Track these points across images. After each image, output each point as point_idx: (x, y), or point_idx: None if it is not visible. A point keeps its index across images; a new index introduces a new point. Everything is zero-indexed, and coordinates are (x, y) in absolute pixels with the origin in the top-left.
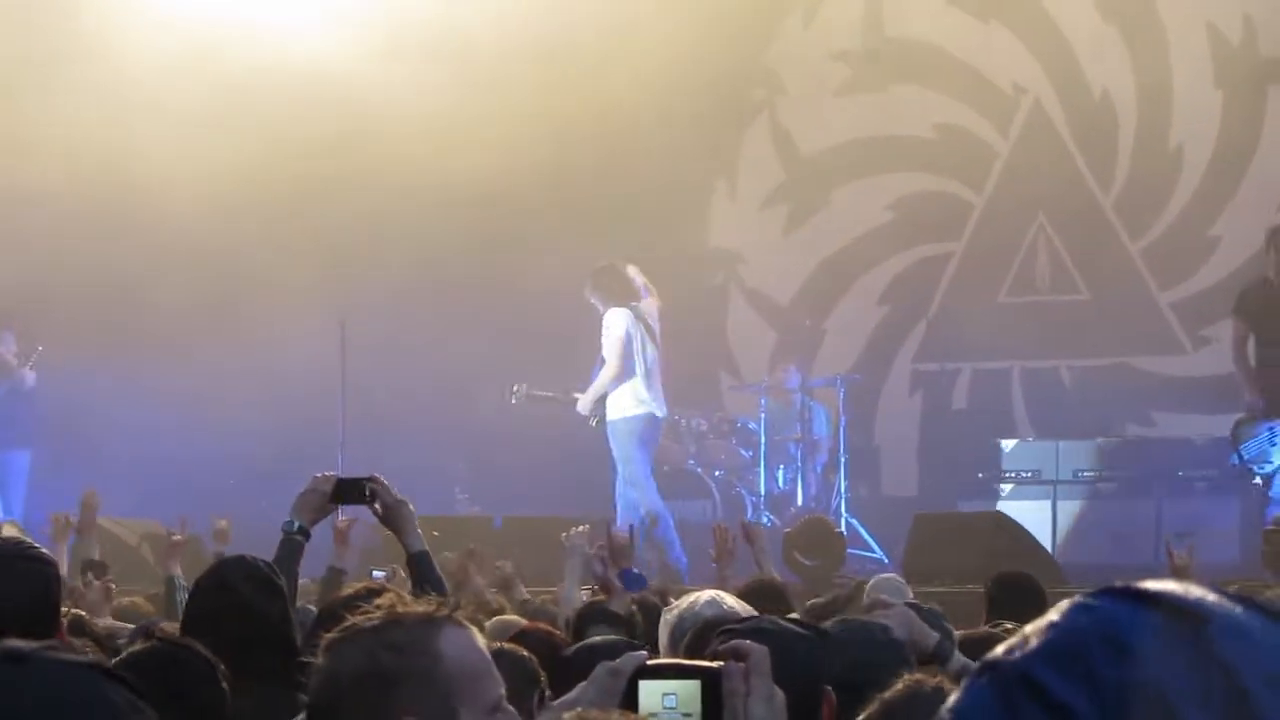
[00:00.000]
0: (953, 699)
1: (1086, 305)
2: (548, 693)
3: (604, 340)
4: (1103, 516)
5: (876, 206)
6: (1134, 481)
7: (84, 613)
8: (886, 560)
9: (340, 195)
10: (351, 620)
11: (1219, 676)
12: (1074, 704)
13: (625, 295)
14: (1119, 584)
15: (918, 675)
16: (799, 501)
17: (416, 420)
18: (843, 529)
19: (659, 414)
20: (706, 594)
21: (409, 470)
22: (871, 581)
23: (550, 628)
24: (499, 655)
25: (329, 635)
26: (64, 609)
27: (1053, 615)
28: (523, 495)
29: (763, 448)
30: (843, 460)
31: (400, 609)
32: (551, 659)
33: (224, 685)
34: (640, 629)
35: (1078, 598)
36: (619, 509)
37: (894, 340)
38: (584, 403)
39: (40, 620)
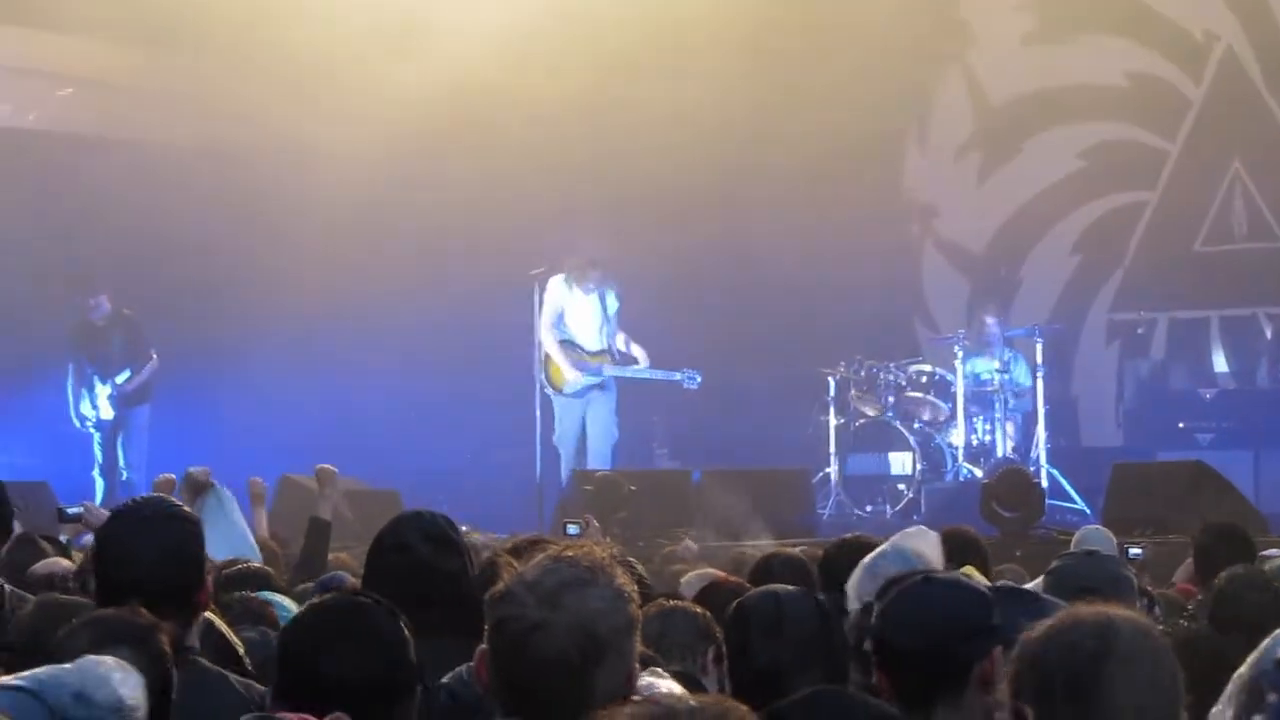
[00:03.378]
0: None
1: None
2: (724, 649)
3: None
4: None
5: (1068, 155)
6: None
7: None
8: (1089, 511)
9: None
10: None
11: None
12: None
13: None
14: None
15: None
16: (998, 453)
17: None
18: (1043, 480)
19: None
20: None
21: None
22: (1078, 533)
23: (740, 581)
24: (671, 613)
25: None
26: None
27: None
28: (718, 450)
29: (961, 399)
30: (1043, 411)
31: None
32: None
33: (407, 632)
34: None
35: None
36: None
37: (1089, 290)
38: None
39: (184, 578)
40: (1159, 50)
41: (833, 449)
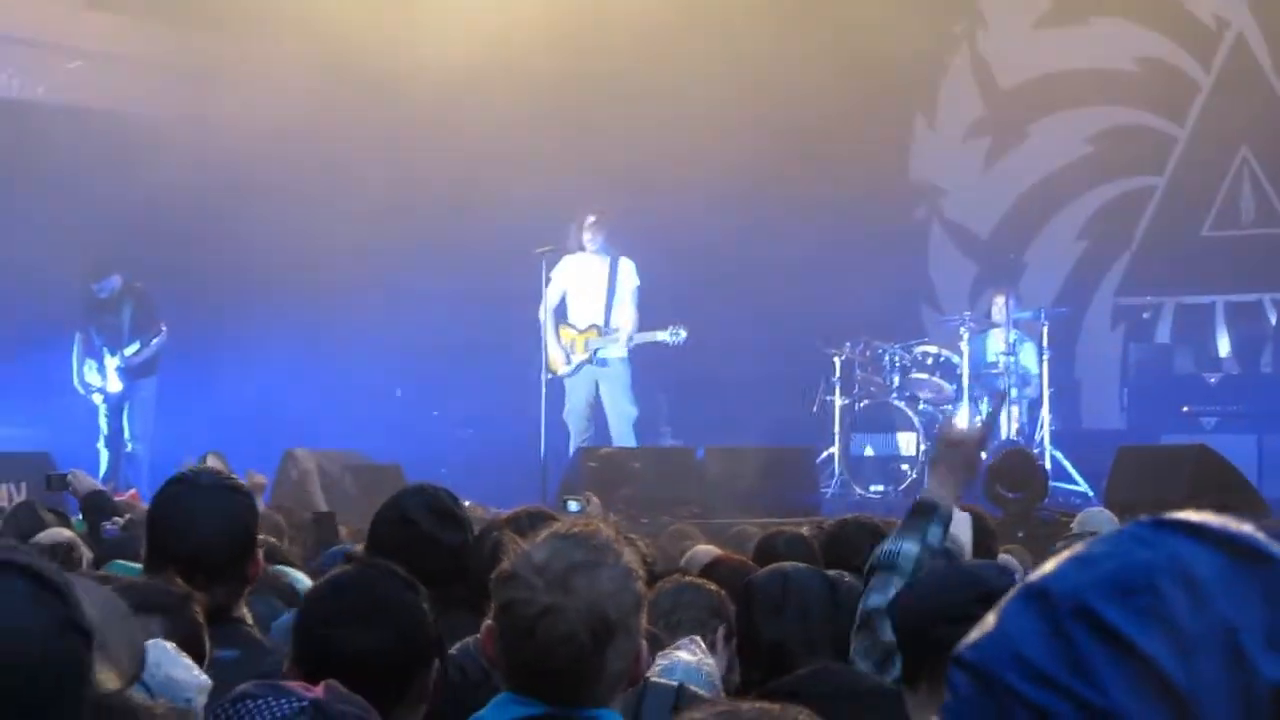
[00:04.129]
0: (988, 619)
1: None
2: (733, 627)
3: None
4: None
5: (1076, 139)
6: None
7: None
8: (1092, 494)
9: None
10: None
11: None
12: (1140, 640)
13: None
14: (1167, 517)
15: None
16: (1002, 435)
17: None
18: (1047, 463)
19: None
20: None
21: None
22: (1080, 516)
23: (744, 558)
24: (684, 589)
25: None
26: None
27: (1096, 545)
28: (723, 428)
29: (966, 381)
30: (1048, 394)
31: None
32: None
33: (425, 604)
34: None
35: (1126, 528)
36: None
37: (1095, 274)
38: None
39: (239, 548)
40: (1169, 35)
41: (837, 429)
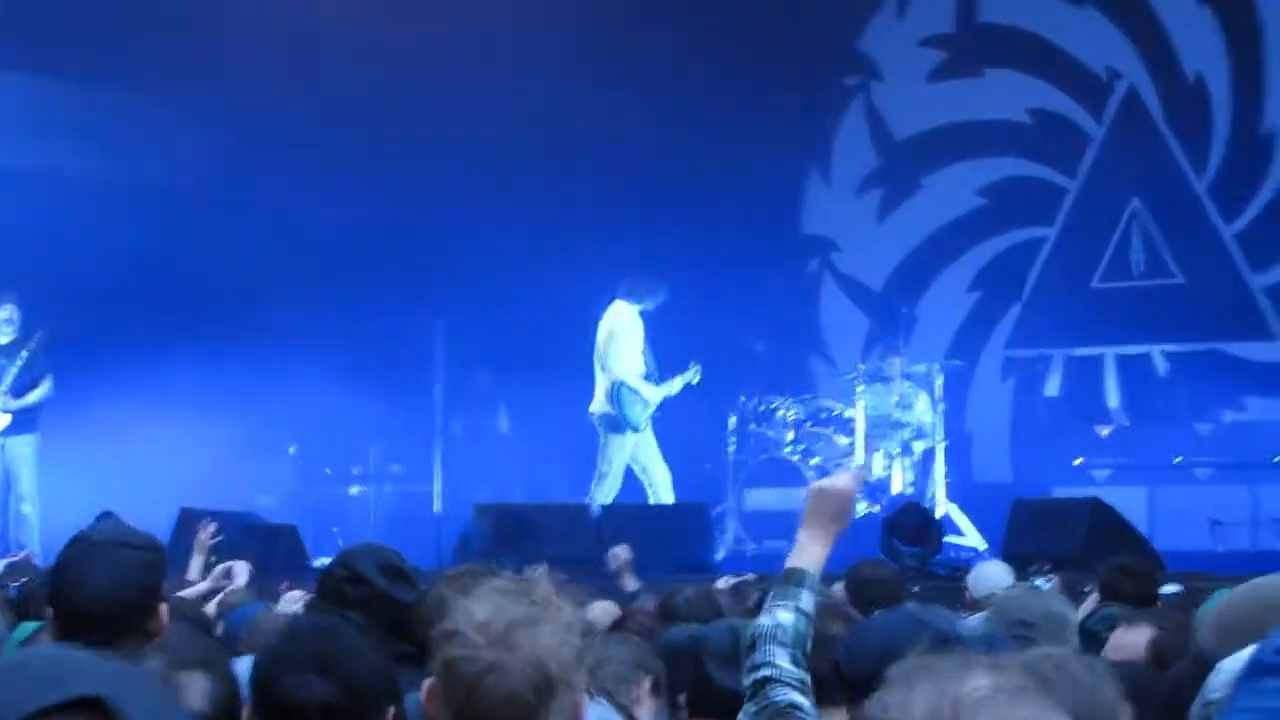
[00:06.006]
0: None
1: (1180, 290)
2: (660, 679)
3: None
4: (1199, 503)
5: (969, 191)
6: (1229, 468)
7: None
8: (987, 546)
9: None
10: None
11: None
12: None
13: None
14: None
15: None
16: (895, 489)
17: None
18: (943, 515)
19: None
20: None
21: None
22: (974, 569)
23: (646, 613)
24: (609, 642)
25: None
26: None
27: None
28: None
29: (860, 435)
30: (942, 446)
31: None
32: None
33: (379, 654)
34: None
35: None
36: None
37: (986, 326)
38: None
39: (140, 605)
40: (1061, 87)
41: (730, 484)
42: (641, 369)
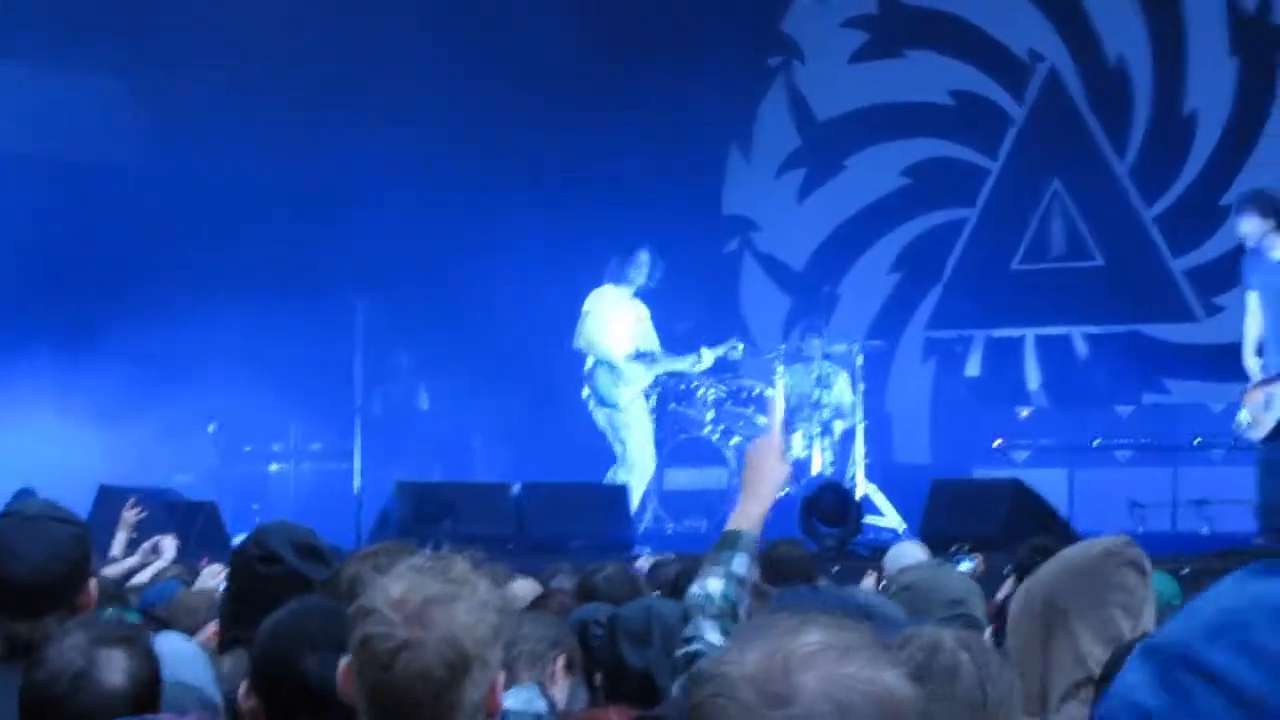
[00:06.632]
0: (1116, 682)
1: (1100, 272)
2: (573, 657)
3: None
4: (1119, 485)
5: (891, 172)
6: (1149, 450)
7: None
8: (905, 527)
9: None
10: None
11: None
12: (1233, 673)
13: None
14: (1270, 559)
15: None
16: (815, 469)
17: None
18: (863, 495)
19: None
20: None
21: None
22: (892, 549)
23: (567, 593)
24: (524, 620)
25: None
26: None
27: (1200, 596)
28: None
29: (781, 414)
30: (862, 427)
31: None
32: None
33: None
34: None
35: (1228, 576)
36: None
37: (907, 307)
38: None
39: (68, 580)
40: (983, 69)
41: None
42: (630, 349)
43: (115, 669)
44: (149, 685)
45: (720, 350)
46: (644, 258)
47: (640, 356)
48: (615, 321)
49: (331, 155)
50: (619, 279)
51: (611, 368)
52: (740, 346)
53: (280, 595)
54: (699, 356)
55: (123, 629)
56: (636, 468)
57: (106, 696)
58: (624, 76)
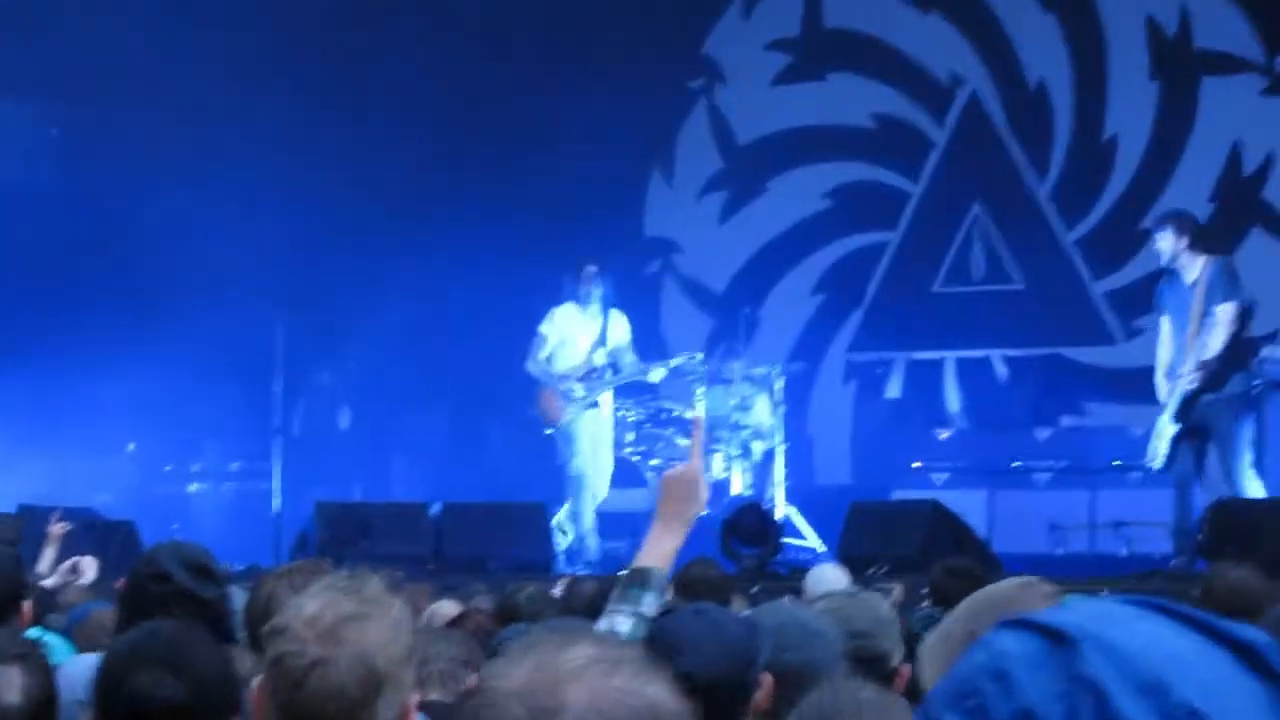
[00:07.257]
0: None
1: (1020, 295)
2: None
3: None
4: (1038, 507)
5: (813, 195)
6: (1068, 472)
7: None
8: (825, 549)
9: None
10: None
11: (1087, 697)
12: None
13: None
14: (1017, 617)
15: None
16: (736, 490)
17: None
18: (783, 517)
19: None
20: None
21: None
22: (811, 571)
23: (483, 613)
24: (435, 639)
25: None
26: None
27: (965, 655)
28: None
29: (701, 436)
30: (782, 449)
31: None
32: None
33: (225, 653)
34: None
35: (995, 629)
36: None
37: (828, 330)
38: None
39: (12, 595)
40: (904, 92)
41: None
42: (576, 366)
43: (11, 687)
44: (45, 704)
45: (680, 359)
46: (591, 270)
47: (589, 374)
48: (566, 341)
49: (250, 171)
50: (575, 297)
51: (549, 387)
52: (700, 356)
53: (172, 613)
54: (652, 366)
55: (18, 646)
56: (583, 485)
57: (1, 715)
58: (546, 96)
